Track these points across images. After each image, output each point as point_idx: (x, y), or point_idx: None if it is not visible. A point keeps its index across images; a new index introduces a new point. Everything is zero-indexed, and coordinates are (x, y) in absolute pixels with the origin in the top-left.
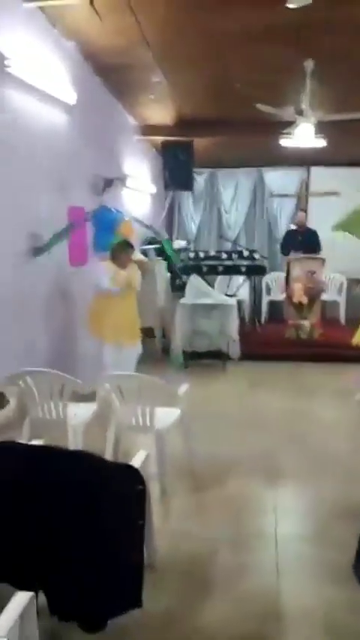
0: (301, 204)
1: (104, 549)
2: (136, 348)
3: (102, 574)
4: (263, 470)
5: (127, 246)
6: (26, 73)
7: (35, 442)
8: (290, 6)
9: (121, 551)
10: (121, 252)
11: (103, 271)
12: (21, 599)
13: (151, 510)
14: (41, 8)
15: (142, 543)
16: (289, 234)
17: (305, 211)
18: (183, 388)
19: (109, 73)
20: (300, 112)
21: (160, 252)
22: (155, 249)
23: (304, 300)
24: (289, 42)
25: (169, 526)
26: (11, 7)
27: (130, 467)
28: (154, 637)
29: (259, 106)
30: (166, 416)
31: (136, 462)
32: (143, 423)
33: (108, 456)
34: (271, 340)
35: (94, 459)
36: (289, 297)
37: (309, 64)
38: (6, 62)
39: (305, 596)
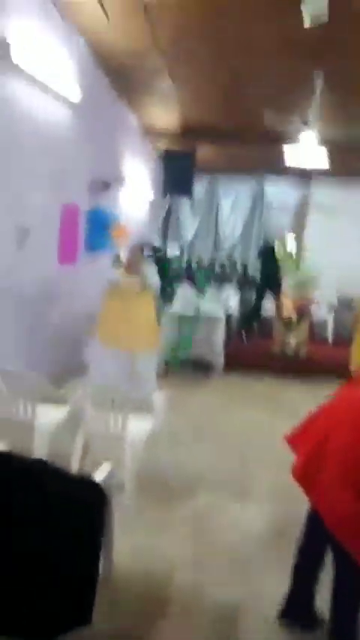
0: (300, 220)
1: (56, 562)
2: (151, 357)
3: (52, 588)
4: (232, 488)
5: (141, 251)
6: (31, 64)
7: None
8: (307, 26)
9: (75, 566)
10: (135, 257)
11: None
12: None
13: (112, 524)
14: None
15: (98, 559)
16: (265, 248)
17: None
18: (159, 399)
19: (117, 74)
20: (306, 123)
21: (157, 260)
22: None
23: (294, 316)
24: (303, 56)
25: (130, 540)
26: None
27: (93, 483)
28: None
29: (266, 120)
30: (139, 425)
31: (99, 475)
32: (115, 432)
33: (74, 463)
34: (257, 354)
35: (55, 470)
36: (279, 313)
37: (319, 80)
38: (11, 50)
39: (268, 635)
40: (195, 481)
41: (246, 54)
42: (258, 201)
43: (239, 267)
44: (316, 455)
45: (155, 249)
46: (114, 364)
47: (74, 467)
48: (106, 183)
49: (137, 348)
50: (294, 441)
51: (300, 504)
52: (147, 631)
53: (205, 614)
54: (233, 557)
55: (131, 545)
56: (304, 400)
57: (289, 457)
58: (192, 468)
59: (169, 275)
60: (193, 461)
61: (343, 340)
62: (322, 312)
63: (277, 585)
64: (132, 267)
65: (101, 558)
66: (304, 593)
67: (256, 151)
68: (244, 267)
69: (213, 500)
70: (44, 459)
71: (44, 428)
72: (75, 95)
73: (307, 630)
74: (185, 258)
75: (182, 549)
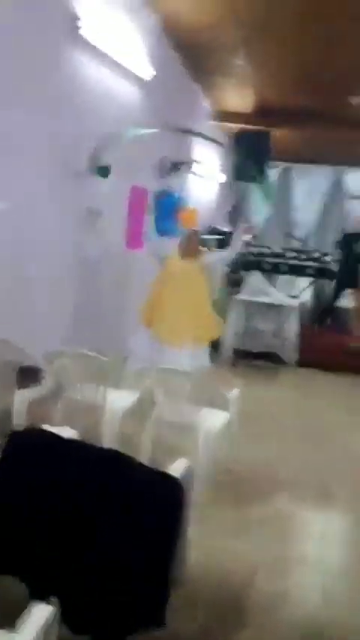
0: None
1: (130, 558)
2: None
3: (126, 586)
4: (311, 489)
5: (195, 234)
6: (99, 38)
7: (68, 431)
8: None
9: (150, 564)
10: (189, 240)
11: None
12: (42, 612)
13: (187, 522)
14: None
15: (174, 558)
16: (348, 237)
17: None
18: (235, 392)
19: (189, 50)
20: None
21: (221, 244)
22: (216, 239)
23: None
24: None
25: (204, 539)
26: None
27: (170, 476)
28: None
29: (353, 98)
30: (212, 418)
31: (176, 470)
32: (187, 423)
33: (144, 452)
34: (331, 349)
35: (132, 463)
36: (358, 306)
37: None
38: (78, 23)
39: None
40: (272, 480)
41: (328, 27)
42: (336, 190)
43: (315, 255)
44: None
45: (223, 235)
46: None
47: (144, 456)
48: (176, 164)
49: (198, 340)
50: None
51: None
52: (224, 637)
53: (286, 625)
54: (316, 566)
55: (206, 545)
56: None
57: None
58: (268, 467)
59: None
60: (269, 459)
61: None
62: None
63: None
64: (188, 251)
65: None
66: None
67: (336, 137)
68: (321, 256)
69: (293, 502)
70: (116, 448)
71: (114, 413)
72: (146, 72)
73: None
74: (255, 244)
75: (261, 553)
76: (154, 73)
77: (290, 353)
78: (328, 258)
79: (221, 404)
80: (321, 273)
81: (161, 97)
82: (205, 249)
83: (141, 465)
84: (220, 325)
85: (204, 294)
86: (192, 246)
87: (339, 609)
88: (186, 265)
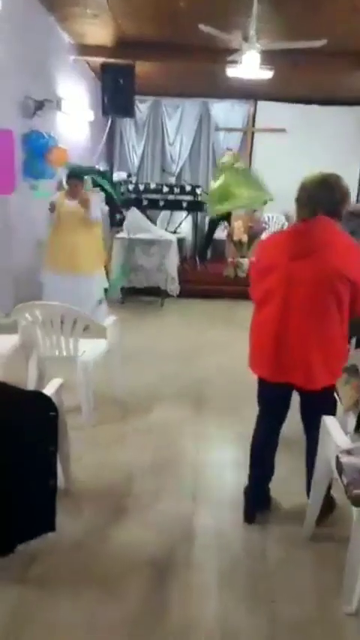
0: (247, 140)
1: (15, 474)
2: (94, 280)
3: (12, 498)
4: (190, 401)
5: (78, 176)
6: None
7: None
8: None
9: (33, 477)
10: (73, 181)
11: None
12: None
13: (66, 437)
14: None
15: (54, 469)
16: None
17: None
18: (109, 320)
19: None
20: (246, 39)
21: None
22: (92, 179)
23: (244, 238)
24: None
25: (89, 454)
26: None
27: (42, 394)
28: (66, 560)
29: (203, 26)
30: (92, 348)
31: (49, 389)
32: (67, 355)
33: (30, 388)
34: (210, 278)
35: (5, 387)
36: (230, 235)
37: None
38: None
39: (220, 521)
40: (151, 398)
41: None
42: (204, 122)
43: (188, 189)
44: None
45: (100, 174)
46: (64, 290)
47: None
48: (39, 103)
49: (80, 271)
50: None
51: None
52: (105, 534)
53: (162, 514)
54: (188, 465)
55: (90, 459)
56: None
57: (247, 372)
58: (148, 386)
59: (117, 200)
60: (149, 380)
61: None
62: (272, 232)
63: (232, 482)
64: (73, 193)
65: (60, 471)
66: (264, 481)
67: (200, 70)
68: (193, 189)
69: (169, 413)
70: None
71: None
72: None
73: (260, 512)
74: (134, 181)
75: (140, 459)
76: (3, 5)
77: (173, 285)
78: (199, 191)
79: (98, 333)
80: (194, 206)
81: (15, 31)
82: (94, 189)
83: (16, 388)
84: (101, 260)
85: (91, 230)
86: (77, 189)
87: (206, 498)
88: (73, 205)
